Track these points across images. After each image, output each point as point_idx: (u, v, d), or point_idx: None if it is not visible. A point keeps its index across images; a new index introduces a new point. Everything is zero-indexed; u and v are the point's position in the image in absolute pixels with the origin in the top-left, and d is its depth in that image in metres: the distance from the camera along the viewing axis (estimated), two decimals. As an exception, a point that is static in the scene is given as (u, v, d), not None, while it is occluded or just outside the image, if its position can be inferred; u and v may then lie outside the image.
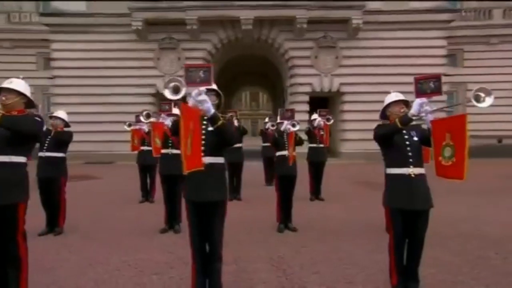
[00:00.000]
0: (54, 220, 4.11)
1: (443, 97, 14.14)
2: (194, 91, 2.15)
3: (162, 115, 4.23)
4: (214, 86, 2.49)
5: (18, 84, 2.38)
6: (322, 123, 6.05)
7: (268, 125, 6.92)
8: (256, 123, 41.57)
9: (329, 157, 14.24)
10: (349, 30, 13.55)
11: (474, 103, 2.20)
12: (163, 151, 4.31)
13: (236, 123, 6.62)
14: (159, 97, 14.37)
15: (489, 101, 2.18)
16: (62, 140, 4.12)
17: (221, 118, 2.27)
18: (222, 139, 2.34)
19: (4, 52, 16.47)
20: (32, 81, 13.46)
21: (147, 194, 6.19)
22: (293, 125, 4.24)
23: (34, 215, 4.32)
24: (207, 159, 2.31)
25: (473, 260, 3.31)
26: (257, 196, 6.54)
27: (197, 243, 2.41)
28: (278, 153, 4.42)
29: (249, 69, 19.40)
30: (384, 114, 2.65)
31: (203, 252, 2.43)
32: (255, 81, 23.98)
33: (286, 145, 4.33)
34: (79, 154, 11.12)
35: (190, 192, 2.38)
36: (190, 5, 12.79)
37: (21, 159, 2.30)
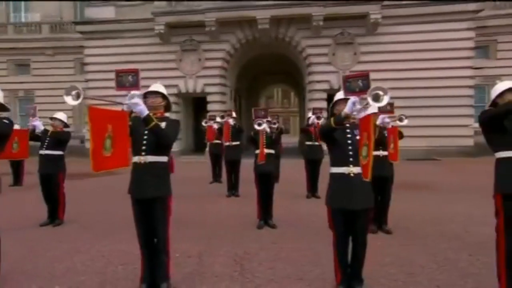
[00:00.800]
0: (55, 213, 4.47)
1: (470, 91, 13.31)
2: (129, 95, 2.28)
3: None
4: (158, 89, 2.63)
5: None
6: (315, 121, 5.98)
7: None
8: (288, 121, 41.39)
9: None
10: (367, 26, 13.10)
11: (372, 102, 2.08)
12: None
13: (231, 122, 6.75)
14: (181, 96, 14.88)
15: (386, 99, 2.06)
16: (61, 139, 4.41)
17: (155, 120, 2.34)
18: (157, 139, 2.42)
19: (47, 59, 17.75)
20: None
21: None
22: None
23: (38, 207, 4.78)
24: (148, 158, 2.45)
25: (440, 261, 3.17)
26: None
27: (142, 238, 2.54)
28: (256, 151, 4.46)
29: (272, 68, 19.35)
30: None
31: (149, 246, 2.55)
32: (281, 79, 23.88)
33: (265, 144, 4.35)
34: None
35: (133, 190, 2.49)
36: (209, 7, 13.02)
37: None
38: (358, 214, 2.42)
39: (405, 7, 13.00)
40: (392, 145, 3.77)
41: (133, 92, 2.29)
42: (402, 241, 3.83)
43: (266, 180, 4.39)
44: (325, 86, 13.73)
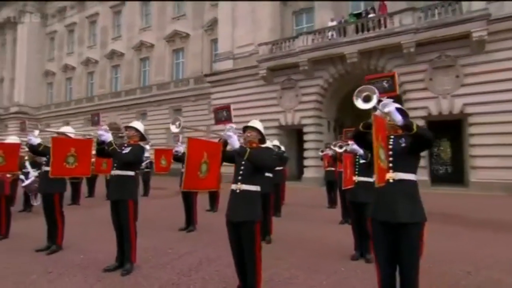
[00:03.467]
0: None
1: None
2: (226, 128, 2.57)
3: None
4: (254, 124, 2.88)
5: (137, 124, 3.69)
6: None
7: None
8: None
9: (456, 186, 11.87)
10: (471, 45, 11.20)
11: (362, 104, 2.03)
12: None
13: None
14: (282, 128, 15.82)
15: (375, 99, 1.98)
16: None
17: (247, 149, 2.58)
18: (255, 167, 2.66)
19: (191, 104, 21.94)
20: (205, 123, 17.34)
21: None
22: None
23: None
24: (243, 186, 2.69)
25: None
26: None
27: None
28: None
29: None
30: None
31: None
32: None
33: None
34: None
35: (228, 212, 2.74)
36: (302, 50, 13.84)
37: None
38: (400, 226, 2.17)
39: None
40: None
41: (229, 125, 2.56)
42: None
43: (360, 209, 3.89)
44: (422, 113, 12.22)
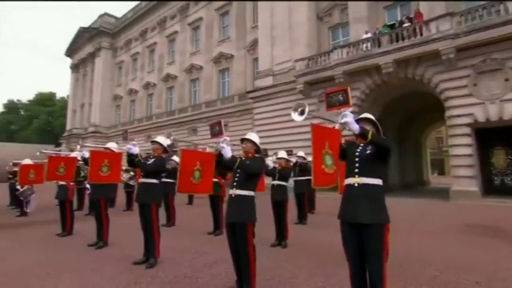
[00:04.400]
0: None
1: None
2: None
3: None
4: (250, 136, 3.13)
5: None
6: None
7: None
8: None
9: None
10: (522, 46, 10.21)
11: (297, 117, 2.39)
12: None
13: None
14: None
15: (307, 112, 2.31)
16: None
17: (238, 159, 2.85)
18: (247, 174, 2.93)
19: (236, 119, 22.85)
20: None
21: None
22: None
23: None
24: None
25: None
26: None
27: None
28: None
29: (422, 106, 17.26)
30: None
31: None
32: (435, 117, 20.48)
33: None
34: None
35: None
36: (337, 63, 13.83)
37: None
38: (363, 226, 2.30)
39: None
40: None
41: (223, 138, 2.74)
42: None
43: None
44: (467, 120, 11.33)
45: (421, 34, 11.77)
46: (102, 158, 4.16)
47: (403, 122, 19.22)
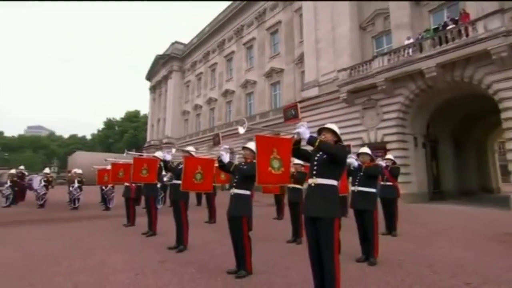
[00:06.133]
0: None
1: None
2: (220, 148, 3.06)
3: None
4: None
5: None
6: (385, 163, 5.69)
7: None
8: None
9: None
10: None
11: (242, 130, 2.83)
12: None
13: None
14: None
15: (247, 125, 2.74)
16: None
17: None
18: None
19: (286, 129, 23.33)
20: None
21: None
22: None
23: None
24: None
25: None
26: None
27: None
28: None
29: (478, 108, 15.47)
30: None
31: None
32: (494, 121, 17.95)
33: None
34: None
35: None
36: (378, 70, 13.41)
37: None
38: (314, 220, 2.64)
39: None
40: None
41: (223, 146, 3.24)
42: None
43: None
44: (526, 122, 10.00)
45: (467, 35, 10.84)
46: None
47: (460, 125, 17.39)
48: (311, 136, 2.62)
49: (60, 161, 51.11)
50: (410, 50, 12.49)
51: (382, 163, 5.87)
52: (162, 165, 4.75)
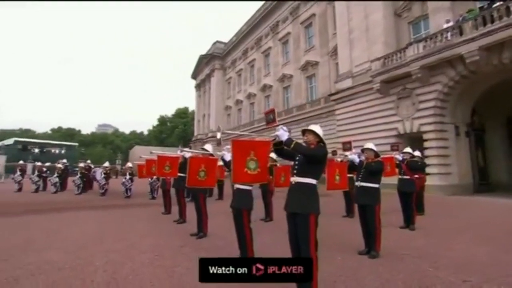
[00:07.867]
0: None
1: None
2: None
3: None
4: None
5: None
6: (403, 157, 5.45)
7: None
8: None
9: None
10: None
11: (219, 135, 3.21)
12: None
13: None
14: (401, 137, 14.28)
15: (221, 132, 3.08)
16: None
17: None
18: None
19: (323, 120, 22.73)
20: (334, 135, 17.27)
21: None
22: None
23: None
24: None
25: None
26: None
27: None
28: None
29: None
30: None
31: None
32: None
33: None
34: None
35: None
36: (412, 58, 12.46)
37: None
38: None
39: None
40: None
41: (226, 147, 3.37)
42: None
43: (363, 210, 4.30)
44: None
45: (515, 13, 9.54)
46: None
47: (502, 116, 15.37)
48: (288, 139, 2.74)
49: (123, 154, 56.45)
50: (449, 34, 11.36)
51: (399, 156, 5.70)
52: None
